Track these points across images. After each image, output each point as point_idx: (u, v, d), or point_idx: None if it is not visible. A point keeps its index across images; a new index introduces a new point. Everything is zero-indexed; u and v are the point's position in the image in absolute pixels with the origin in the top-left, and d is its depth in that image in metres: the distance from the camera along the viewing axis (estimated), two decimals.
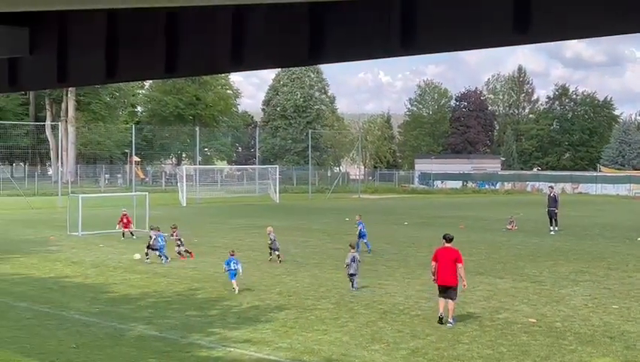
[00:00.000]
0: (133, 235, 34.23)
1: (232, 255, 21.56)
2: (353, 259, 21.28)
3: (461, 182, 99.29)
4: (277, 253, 27.22)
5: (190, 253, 28.01)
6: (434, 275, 17.51)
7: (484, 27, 5.38)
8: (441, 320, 16.98)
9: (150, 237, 27.28)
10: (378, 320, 17.51)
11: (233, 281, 21.07)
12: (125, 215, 34.99)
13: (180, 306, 19.17)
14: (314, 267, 25.84)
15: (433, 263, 17.51)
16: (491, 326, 16.97)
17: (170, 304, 19.48)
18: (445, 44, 5.93)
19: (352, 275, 21.37)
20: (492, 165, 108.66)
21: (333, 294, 20.71)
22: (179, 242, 27.91)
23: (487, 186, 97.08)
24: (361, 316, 17.93)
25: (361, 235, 30.19)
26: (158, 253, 26.78)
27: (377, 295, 20.63)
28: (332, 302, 19.58)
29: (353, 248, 22.25)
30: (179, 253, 27.77)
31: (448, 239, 17.55)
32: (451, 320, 17.03)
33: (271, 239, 27.24)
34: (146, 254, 27.03)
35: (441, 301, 17.16)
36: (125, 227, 34.80)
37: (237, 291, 20.82)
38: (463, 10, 5.53)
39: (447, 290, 17.09)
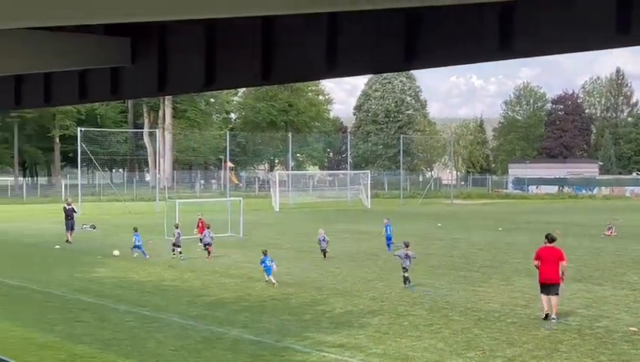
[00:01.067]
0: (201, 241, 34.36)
1: (266, 254, 23.59)
2: (406, 256, 22.46)
3: (557, 187, 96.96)
4: (324, 251, 29.34)
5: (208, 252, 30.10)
6: (537, 268, 18.32)
7: (585, 29, 5.26)
8: (547, 317, 17.66)
9: (173, 235, 30.40)
10: (473, 327, 17.30)
11: (270, 277, 23.18)
12: (201, 220, 35.36)
13: (275, 310, 19.37)
14: None
15: (536, 262, 18.32)
16: (591, 334, 16.54)
17: (264, 308, 19.71)
18: (544, 47, 5.82)
19: (404, 269, 22.47)
20: (589, 170, 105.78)
21: (427, 300, 20.56)
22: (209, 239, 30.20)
23: (583, 191, 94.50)
24: (456, 322, 17.75)
25: (388, 237, 31.83)
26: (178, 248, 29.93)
27: (472, 301, 20.37)
28: (425, 308, 19.44)
29: (407, 246, 22.99)
30: (205, 247, 30.24)
31: (551, 239, 18.41)
32: (554, 316, 17.61)
33: (319, 240, 29.49)
34: (173, 251, 29.95)
35: (544, 298, 17.91)
36: (200, 232, 35.20)
37: (275, 284, 22.93)
38: (562, 11, 5.42)
39: (549, 287, 17.84)
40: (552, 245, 18.26)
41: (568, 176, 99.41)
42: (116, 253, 30.95)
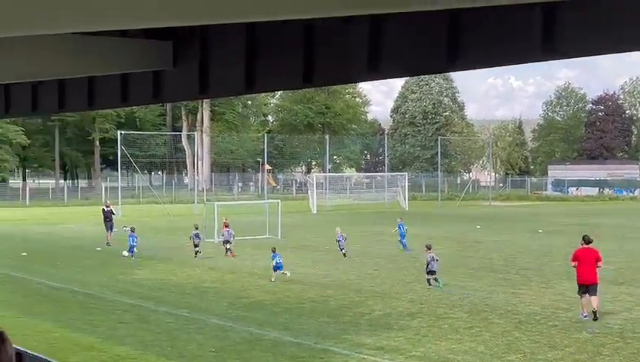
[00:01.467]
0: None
1: (274, 251, 25.28)
2: (433, 259, 23.15)
3: (597, 188, 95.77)
4: (343, 251, 30.50)
5: (231, 252, 31.36)
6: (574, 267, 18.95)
7: (633, 28, 5.19)
8: (587, 317, 18.05)
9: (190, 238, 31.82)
10: (513, 330, 17.16)
11: (279, 272, 24.67)
12: (225, 222, 35.31)
13: (314, 312, 19.39)
14: (445, 275, 25.52)
15: (574, 263, 18.87)
16: (634, 338, 16.32)
17: (303, 310, 19.74)
18: (589, 47, 5.74)
19: (431, 273, 23.13)
20: (630, 171, 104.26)
21: (466, 303, 20.45)
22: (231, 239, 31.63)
23: (625, 193, 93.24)
24: (496, 325, 17.62)
25: (402, 235, 32.98)
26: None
27: (512, 304, 20.21)
28: (465, 311, 19.33)
29: (429, 249, 23.56)
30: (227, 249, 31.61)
31: (587, 241, 18.84)
32: (596, 315, 18.01)
33: (337, 239, 31.04)
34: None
35: (584, 299, 18.33)
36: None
37: (273, 279, 24.54)
38: (608, 11, 5.35)
39: (588, 287, 18.26)
40: (589, 246, 18.71)
41: (609, 178, 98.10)
42: (125, 253, 31.70)
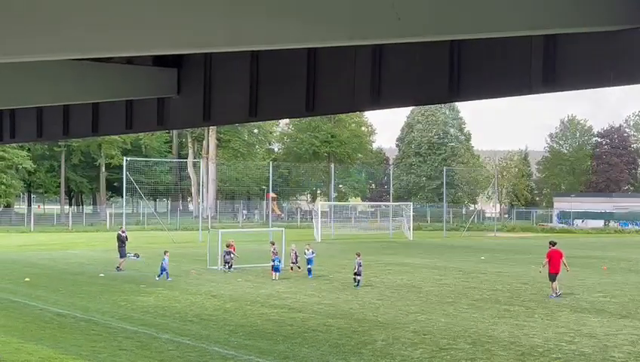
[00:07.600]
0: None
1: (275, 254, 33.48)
2: (359, 264, 29.96)
3: (603, 221, 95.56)
4: (297, 264, 35.71)
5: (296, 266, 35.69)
6: (544, 266, 28.36)
7: (630, 63, 5.22)
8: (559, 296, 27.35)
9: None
10: None
11: (277, 273, 32.30)
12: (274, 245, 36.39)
13: (316, 341, 19.30)
14: (449, 306, 25.48)
15: (546, 259, 28.09)
16: None
17: (305, 339, 19.65)
18: (589, 80, 5.78)
19: (357, 274, 29.91)
20: (636, 204, 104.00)
21: (470, 334, 20.34)
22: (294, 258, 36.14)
23: (630, 226, 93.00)
24: (499, 357, 17.51)
25: (308, 261, 34.79)
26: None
27: (515, 336, 20.10)
28: (468, 342, 19.22)
29: (359, 256, 30.53)
30: (291, 268, 35.77)
31: (553, 244, 28.42)
32: (560, 291, 27.74)
33: (292, 256, 36.14)
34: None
35: (555, 283, 27.57)
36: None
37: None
38: (607, 45, 5.39)
39: (556, 276, 27.60)
40: (555, 248, 28.02)
41: (614, 211, 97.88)
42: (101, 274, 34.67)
